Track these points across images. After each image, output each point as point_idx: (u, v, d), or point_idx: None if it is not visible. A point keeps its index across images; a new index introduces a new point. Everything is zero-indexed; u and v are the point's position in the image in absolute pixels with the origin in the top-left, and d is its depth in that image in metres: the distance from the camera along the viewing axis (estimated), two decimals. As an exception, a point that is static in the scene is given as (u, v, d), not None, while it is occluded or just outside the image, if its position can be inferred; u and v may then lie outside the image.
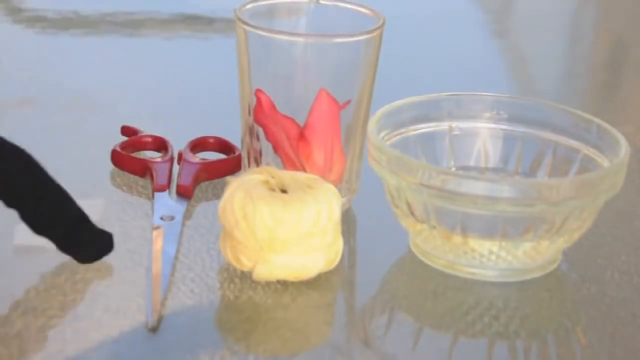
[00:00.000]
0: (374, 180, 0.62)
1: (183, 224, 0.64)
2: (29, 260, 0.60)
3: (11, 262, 0.61)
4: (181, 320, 0.56)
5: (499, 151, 0.66)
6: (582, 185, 0.57)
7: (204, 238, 0.63)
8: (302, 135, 0.63)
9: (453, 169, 0.66)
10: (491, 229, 0.59)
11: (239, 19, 0.64)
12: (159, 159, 0.70)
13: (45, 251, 0.60)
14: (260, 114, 0.64)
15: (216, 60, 0.92)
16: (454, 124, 0.66)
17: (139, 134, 0.74)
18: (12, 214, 0.57)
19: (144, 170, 0.70)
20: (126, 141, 0.73)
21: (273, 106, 0.63)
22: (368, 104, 0.66)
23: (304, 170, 0.64)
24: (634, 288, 0.61)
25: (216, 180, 0.70)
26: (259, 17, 0.65)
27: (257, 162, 0.66)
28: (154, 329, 0.55)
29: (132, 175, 0.70)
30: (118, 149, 0.71)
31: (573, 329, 0.58)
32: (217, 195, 0.68)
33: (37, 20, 1.02)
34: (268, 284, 0.59)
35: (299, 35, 0.65)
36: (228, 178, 0.60)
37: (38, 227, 0.57)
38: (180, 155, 0.71)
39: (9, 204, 0.57)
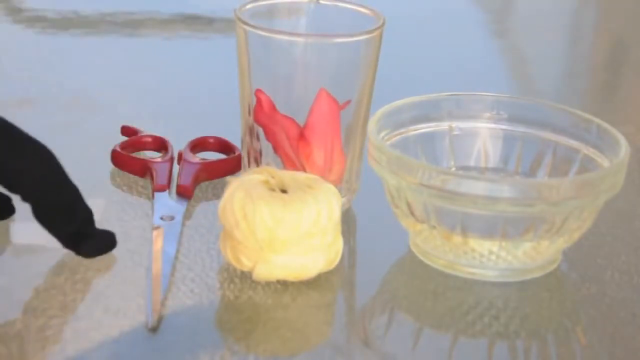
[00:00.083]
0: (374, 180, 0.62)
1: (183, 224, 0.64)
2: (29, 260, 0.60)
3: (11, 262, 0.61)
4: (181, 320, 0.56)
5: (499, 151, 0.66)
6: (582, 185, 0.57)
7: (204, 238, 0.63)
8: (302, 135, 0.63)
9: (453, 169, 0.66)
10: (491, 229, 0.59)
11: (239, 19, 0.64)
12: (159, 159, 0.70)
13: (45, 251, 0.60)
14: (260, 114, 0.64)
15: (216, 60, 0.92)
16: (454, 124, 0.66)
17: (139, 134, 0.74)
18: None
19: (144, 170, 0.70)
20: (126, 141, 0.73)
21: (273, 106, 0.63)
22: (368, 104, 0.66)
23: (304, 170, 0.64)
24: (634, 288, 0.61)
25: (216, 180, 0.70)
26: (259, 17, 0.65)
27: (257, 162, 0.66)
28: (154, 329, 0.55)
29: (132, 175, 0.70)
30: (118, 149, 0.71)
31: (573, 329, 0.58)
32: (217, 195, 0.68)
33: (37, 20, 1.02)
34: (268, 284, 0.59)
35: (299, 35, 0.65)
36: (228, 178, 0.60)
37: (51, 223, 0.58)
38: (180, 155, 0.71)
39: (26, 197, 0.57)
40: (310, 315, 0.57)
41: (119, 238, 0.61)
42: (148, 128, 0.75)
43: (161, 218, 0.64)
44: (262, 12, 0.67)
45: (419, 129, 0.65)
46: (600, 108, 0.91)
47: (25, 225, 0.62)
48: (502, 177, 0.65)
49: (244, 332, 0.55)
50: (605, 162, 0.61)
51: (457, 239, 0.59)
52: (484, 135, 0.66)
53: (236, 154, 0.71)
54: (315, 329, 0.57)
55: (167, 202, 0.66)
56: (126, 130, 0.75)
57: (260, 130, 0.65)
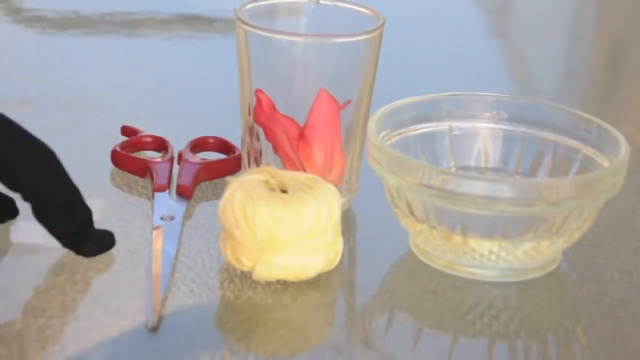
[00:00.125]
0: (374, 180, 0.62)
1: (183, 224, 0.64)
2: (29, 260, 0.60)
3: (11, 262, 0.61)
4: (181, 320, 0.56)
5: (499, 151, 0.66)
6: (582, 185, 0.57)
7: (204, 238, 0.63)
8: (302, 135, 0.63)
9: (453, 169, 0.66)
10: (491, 229, 0.59)
11: (239, 19, 0.64)
12: (159, 159, 0.70)
13: (45, 251, 0.60)
14: (260, 114, 0.64)
15: (216, 60, 0.92)
16: (454, 124, 0.66)
17: (139, 134, 0.74)
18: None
19: (144, 170, 0.70)
20: (126, 141, 0.73)
21: (273, 106, 0.63)
22: (368, 104, 0.66)
23: (304, 170, 0.64)
24: (634, 288, 0.61)
25: (216, 180, 0.70)
26: (259, 17, 0.65)
27: (257, 162, 0.66)
28: (154, 329, 0.55)
29: (132, 175, 0.70)
30: (118, 149, 0.71)
31: (573, 329, 0.58)
32: (217, 195, 0.68)
33: (37, 20, 1.02)
34: (268, 284, 0.59)
35: (299, 35, 0.65)
36: (228, 178, 0.60)
37: (51, 222, 0.58)
38: (180, 155, 0.71)
39: (26, 196, 0.57)
40: (310, 315, 0.57)
41: (119, 238, 0.61)
42: (148, 128, 0.75)
43: (161, 218, 0.64)
44: (262, 12, 0.67)
45: (419, 129, 0.65)
46: (600, 108, 0.91)
47: (25, 225, 0.62)
48: (502, 177, 0.65)
49: (244, 332, 0.55)
50: (605, 162, 0.61)
51: (457, 239, 0.59)
52: (484, 135, 0.66)
53: (236, 154, 0.71)
54: (315, 329, 0.57)
55: (167, 202, 0.66)
56: (126, 130, 0.74)
57: (260, 130, 0.65)
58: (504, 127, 0.66)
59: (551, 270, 0.62)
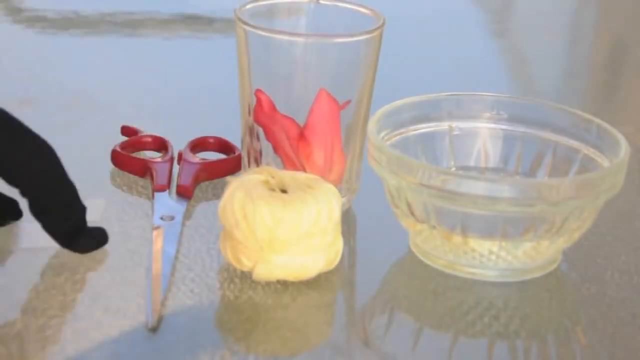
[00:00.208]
0: (374, 180, 0.62)
1: (183, 224, 0.64)
2: (29, 260, 0.60)
3: (11, 262, 0.61)
4: (181, 320, 0.56)
5: (499, 151, 0.66)
6: (582, 185, 0.57)
7: (204, 238, 0.63)
8: (302, 135, 0.63)
9: (453, 169, 0.66)
10: (491, 229, 0.59)
11: (239, 19, 0.64)
12: (159, 159, 0.70)
13: (45, 251, 0.60)
14: (260, 114, 0.64)
15: (216, 60, 0.92)
16: (454, 124, 0.66)
17: (139, 134, 0.74)
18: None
19: (144, 170, 0.70)
20: (126, 141, 0.73)
21: (273, 106, 0.63)
22: (368, 104, 0.66)
23: (304, 170, 0.64)
24: (634, 288, 0.61)
25: (216, 180, 0.70)
26: (259, 17, 0.65)
27: (257, 162, 0.66)
28: (154, 329, 0.55)
29: (132, 175, 0.70)
30: (118, 149, 0.71)
31: (573, 329, 0.58)
32: (217, 195, 0.68)
33: (37, 20, 1.02)
34: (268, 284, 0.59)
35: (299, 35, 0.65)
36: (228, 178, 0.60)
37: (48, 219, 0.58)
38: (180, 155, 0.71)
39: (25, 191, 0.57)
40: (310, 315, 0.57)
41: (119, 238, 0.61)
42: (148, 128, 0.75)
43: (161, 218, 0.64)
44: (262, 12, 0.67)
45: (419, 129, 0.65)
46: (600, 108, 0.91)
47: (25, 225, 0.62)
48: (502, 177, 0.65)
49: (244, 332, 0.55)
50: (605, 162, 0.61)
51: (457, 239, 0.59)
52: (484, 135, 0.66)
53: (236, 154, 0.71)
54: (315, 329, 0.57)
55: (167, 202, 0.66)
56: (126, 130, 0.75)
57: (260, 130, 0.65)
58: (504, 127, 0.66)
59: (551, 270, 0.62)
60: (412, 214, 0.60)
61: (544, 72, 1.00)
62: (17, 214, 0.62)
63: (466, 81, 0.90)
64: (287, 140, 0.64)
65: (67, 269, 0.59)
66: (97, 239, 0.60)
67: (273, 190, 0.59)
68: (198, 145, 0.73)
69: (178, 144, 0.72)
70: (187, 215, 0.66)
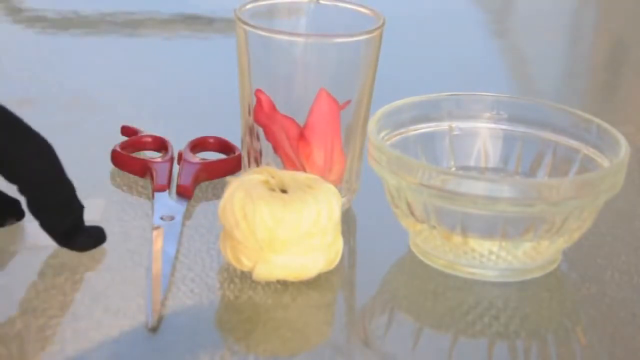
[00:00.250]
0: (374, 180, 0.62)
1: (183, 224, 0.64)
2: (29, 260, 0.60)
3: (11, 262, 0.61)
4: (181, 320, 0.56)
5: (499, 151, 0.66)
6: (582, 185, 0.57)
7: (204, 238, 0.63)
8: (302, 135, 0.63)
9: (453, 169, 0.66)
10: (491, 229, 0.59)
11: (239, 19, 0.64)
12: (159, 159, 0.70)
13: (45, 251, 0.60)
14: (260, 114, 0.64)
15: (216, 60, 0.92)
16: (454, 124, 0.66)
17: (139, 134, 0.74)
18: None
19: (144, 170, 0.70)
20: (126, 141, 0.73)
21: (273, 106, 0.63)
22: (368, 104, 0.66)
23: (304, 170, 0.64)
24: (634, 288, 0.61)
25: (216, 180, 0.70)
26: (259, 17, 0.65)
27: (257, 162, 0.66)
28: (154, 329, 0.55)
29: (132, 175, 0.70)
30: (118, 149, 0.71)
31: (573, 329, 0.58)
32: (217, 195, 0.68)
33: (37, 20, 1.02)
34: (268, 284, 0.59)
35: (299, 35, 0.65)
36: (228, 178, 0.60)
37: (46, 217, 0.58)
38: (180, 155, 0.71)
39: (24, 189, 0.57)
40: (310, 315, 0.57)
41: (119, 238, 0.61)
42: (148, 128, 0.75)
43: (161, 218, 0.64)
44: (262, 12, 0.67)
45: (419, 129, 0.65)
46: (600, 108, 0.91)
47: (25, 225, 0.62)
48: (502, 177, 0.65)
49: (244, 332, 0.55)
50: (605, 162, 0.61)
51: (457, 239, 0.59)
52: (484, 135, 0.66)
53: (236, 154, 0.71)
54: (315, 329, 0.57)
55: (167, 202, 0.66)
56: (126, 130, 0.74)
57: (260, 130, 0.65)
58: (504, 127, 0.66)
59: (551, 270, 0.62)
60: (412, 214, 0.60)
61: (544, 72, 1.00)
62: (19, 214, 0.62)
63: (466, 81, 0.90)
64: (287, 140, 0.64)
65: (67, 268, 0.59)
66: (94, 237, 0.60)
67: (273, 190, 0.59)
68: (198, 145, 0.73)
69: (178, 144, 0.72)
70: (187, 215, 0.66)
